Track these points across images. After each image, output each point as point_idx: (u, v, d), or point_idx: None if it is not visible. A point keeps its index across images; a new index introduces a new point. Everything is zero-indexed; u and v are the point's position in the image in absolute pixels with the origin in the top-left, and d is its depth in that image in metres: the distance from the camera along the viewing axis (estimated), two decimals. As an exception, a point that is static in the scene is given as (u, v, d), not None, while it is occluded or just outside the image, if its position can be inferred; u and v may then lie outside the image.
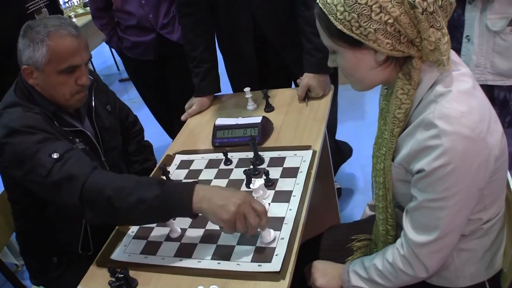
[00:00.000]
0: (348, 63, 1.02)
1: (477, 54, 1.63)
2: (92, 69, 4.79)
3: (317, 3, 0.99)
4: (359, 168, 2.77)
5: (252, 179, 1.34)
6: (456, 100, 0.93)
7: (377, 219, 1.22)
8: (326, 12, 0.96)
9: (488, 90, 1.65)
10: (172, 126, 2.87)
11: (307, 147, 1.50)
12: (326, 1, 0.95)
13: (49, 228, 1.53)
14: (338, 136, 2.44)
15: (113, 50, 5.16)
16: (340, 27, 0.94)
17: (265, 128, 1.63)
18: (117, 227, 1.41)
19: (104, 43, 4.87)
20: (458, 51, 1.66)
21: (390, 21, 0.91)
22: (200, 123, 1.86)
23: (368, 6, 0.90)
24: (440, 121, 0.91)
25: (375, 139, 1.19)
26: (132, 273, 1.19)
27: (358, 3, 0.91)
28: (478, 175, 0.95)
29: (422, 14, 0.89)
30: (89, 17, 4.32)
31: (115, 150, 1.67)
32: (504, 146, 1.00)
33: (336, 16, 0.94)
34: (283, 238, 1.18)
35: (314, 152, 1.47)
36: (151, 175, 1.62)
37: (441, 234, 1.00)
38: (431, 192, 0.97)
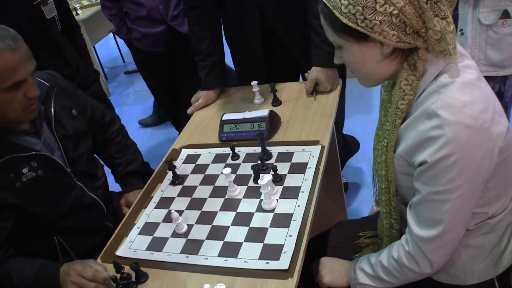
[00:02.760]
0: (355, 57, 1.02)
1: (470, 47, 1.67)
2: (98, 61, 4.79)
3: None
4: (366, 163, 2.75)
5: (260, 174, 1.32)
6: (459, 90, 0.93)
7: (381, 213, 1.21)
8: (331, 7, 0.95)
9: None
10: (179, 119, 2.86)
11: (315, 142, 1.48)
12: None
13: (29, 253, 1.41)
14: (345, 130, 2.42)
15: (118, 42, 5.15)
16: (345, 20, 0.94)
17: (273, 122, 1.61)
18: (121, 223, 1.40)
19: (110, 35, 4.86)
20: None
21: (395, 12, 0.90)
22: (206, 117, 1.84)
23: None
24: (443, 110, 0.91)
25: (375, 130, 1.17)
26: (138, 270, 1.18)
27: None
28: (482, 166, 0.93)
29: (427, 3, 0.89)
30: (94, 8, 4.32)
31: (82, 156, 1.54)
32: (510, 140, 0.99)
33: (341, 10, 0.93)
34: (291, 235, 1.17)
35: (322, 148, 1.45)
36: (155, 173, 1.61)
37: (446, 228, 0.99)
38: (435, 185, 0.96)
